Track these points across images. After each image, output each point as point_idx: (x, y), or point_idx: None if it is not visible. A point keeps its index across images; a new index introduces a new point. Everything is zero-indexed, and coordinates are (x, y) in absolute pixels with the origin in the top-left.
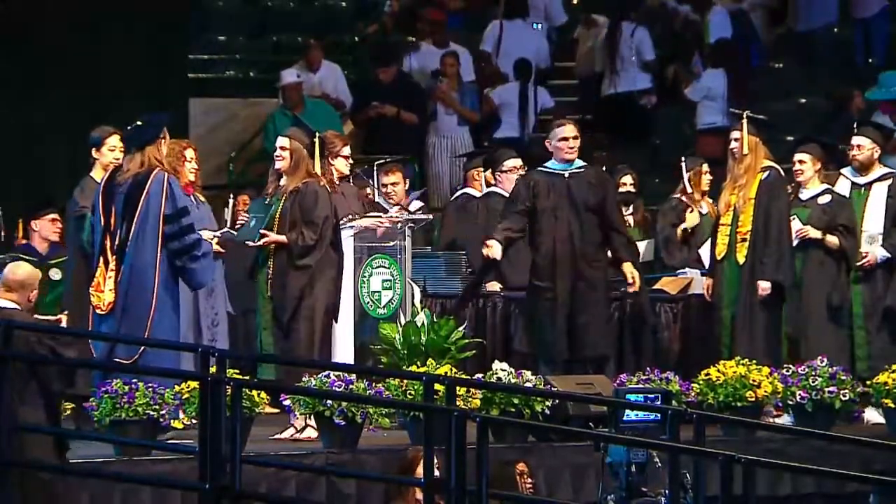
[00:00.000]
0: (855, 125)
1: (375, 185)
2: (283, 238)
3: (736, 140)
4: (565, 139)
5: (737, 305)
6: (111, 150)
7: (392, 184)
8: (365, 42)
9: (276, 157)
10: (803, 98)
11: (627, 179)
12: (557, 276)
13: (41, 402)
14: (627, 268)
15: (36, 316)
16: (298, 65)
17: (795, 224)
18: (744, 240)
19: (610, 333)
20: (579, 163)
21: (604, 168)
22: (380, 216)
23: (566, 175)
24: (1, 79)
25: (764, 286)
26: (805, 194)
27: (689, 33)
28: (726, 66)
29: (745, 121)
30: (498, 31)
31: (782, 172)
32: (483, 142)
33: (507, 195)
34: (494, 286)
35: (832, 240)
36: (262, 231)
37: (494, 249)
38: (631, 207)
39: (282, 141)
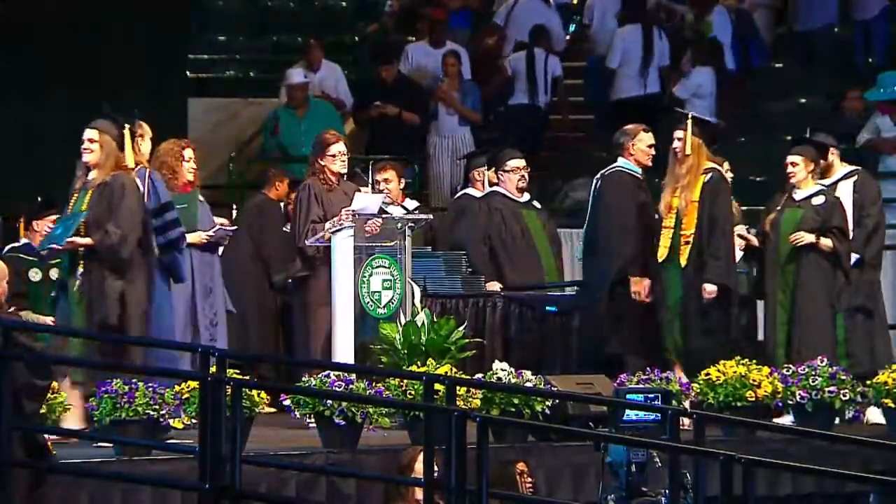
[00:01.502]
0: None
1: (369, 183)
2: (88, 240)
3: (679, 140)
4: (651, 146)
5: (680, 308)
6: None
7: (385, 181)
8: (365, 42)
9: (85, 149)
10: (803, 98)
11: None
12: (655, 275)
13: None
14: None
15: (37, 315)
16: (299, 65)
17: (739, 229)
18: (687, 242)
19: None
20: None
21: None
22: (374, 216)
23: (641, 178)
24: (1, 79)
25: (710, 289)
26: (798, 195)
27: (687, 33)
28: (714, 65)
29: (689, 121)
30: (511, 5)
31: (725, 174)
32: (495, 111)
33: (509, 195)
34: (494, 286)
35: (826, 243)
36: (68, 239)
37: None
38: None
39: (90, 133)
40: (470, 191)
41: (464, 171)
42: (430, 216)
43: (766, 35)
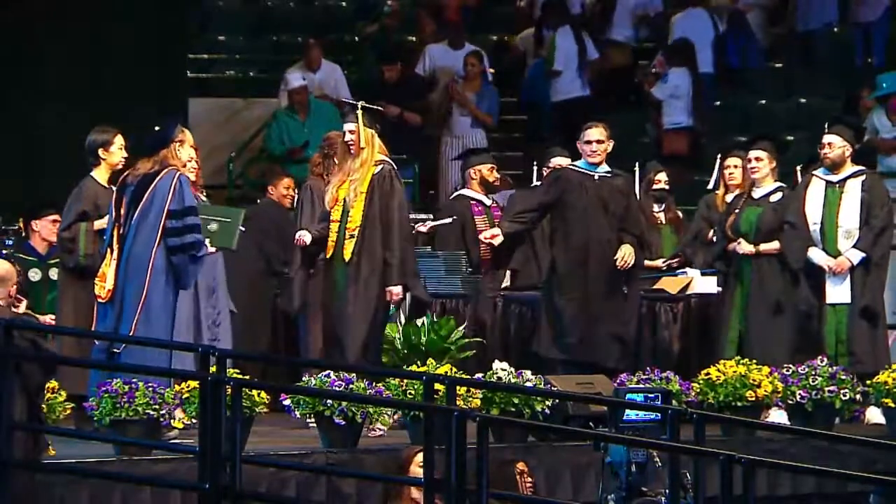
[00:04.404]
0: (826, 124)
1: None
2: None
3: (351, 133)
4: (589, 142)
5: (345, 304)
6: (120, 150)
7: None
8: (365, 42)
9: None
10: (803, 98)
11: (662, 176)
12: (587, 278)
13: (23, 397)
14: (623, 247)
15: (37, 315)
16: (299, 65)
17: None
18: (352, 236)
19: (626, 346)
20: (606, 168)
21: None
22: None
23: (595, 177)
24: (1, 78)
25: (395, 291)
26: (757, 193)
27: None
28: (688, 66)
29: (360, 112)
30: None
31: (395, 167)
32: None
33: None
34: (505, 280)
35: (767, 247)
36: None
37: (498, 237)
38: (663, 205)
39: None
40: (465, 191)
41: (461, 170)
42: (430, 215)
43: (762, 35)
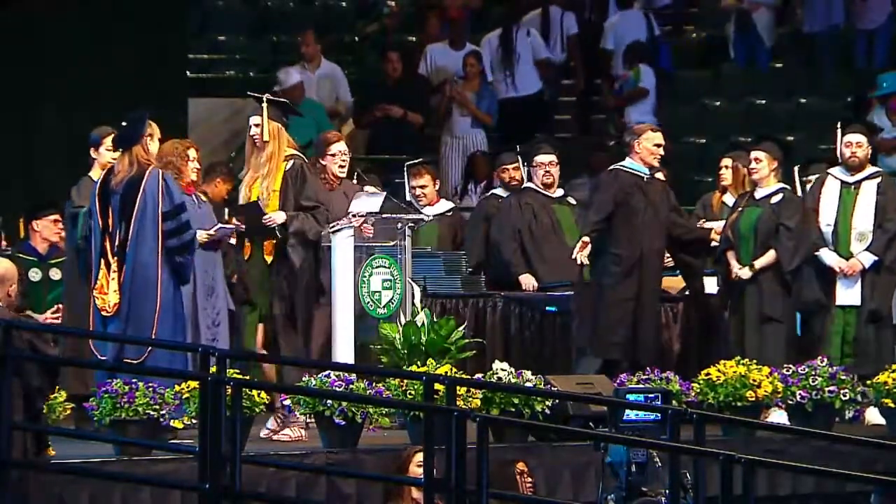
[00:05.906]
0: (839, 124)
1: (406, 187)
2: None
3: (256, 126)
4: (659, 146)
5: (271, 304)
6: (108, 150)
7: (421, 186)
8: (365, 42)
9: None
10: (803, 98)
11: (659, 176)
12: (642, 277)
13: (20, 398)
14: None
15: (37, 315)
16: (293, 67)
17: None
18: None
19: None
20: (647, 169)
21: None
22: (370, 216)
23: (645, 178)
24: (1, 79)
25: (276, 215)
26: (759, 193)
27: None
28: (651, 64)
29: (265, 105)
30: None
31: (307, 160)
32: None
33: (540, 190)
34: (529, 280)
35: (763, 262)
36: None
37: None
38: None
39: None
40: (496, 190)
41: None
42: (430, 216)
43: (768, 35)
